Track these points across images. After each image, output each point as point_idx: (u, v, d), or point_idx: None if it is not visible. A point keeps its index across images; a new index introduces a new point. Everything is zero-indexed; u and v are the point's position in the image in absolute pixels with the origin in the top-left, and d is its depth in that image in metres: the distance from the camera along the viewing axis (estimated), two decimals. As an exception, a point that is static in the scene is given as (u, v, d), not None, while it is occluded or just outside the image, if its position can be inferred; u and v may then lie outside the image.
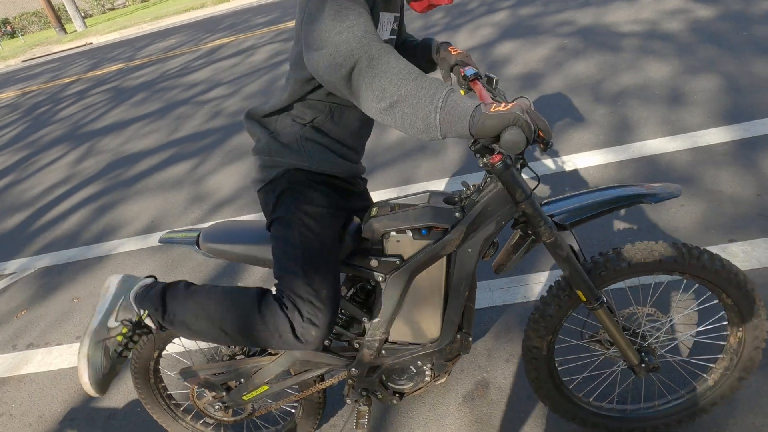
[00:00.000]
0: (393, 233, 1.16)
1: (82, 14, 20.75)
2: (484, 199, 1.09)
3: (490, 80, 1.23)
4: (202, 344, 2.07)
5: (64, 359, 2.24)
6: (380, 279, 1.20)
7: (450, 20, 6.09)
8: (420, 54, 1.41)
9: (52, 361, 2.25)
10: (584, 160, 2.76)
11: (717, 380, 1.28)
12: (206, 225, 2.97)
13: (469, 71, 1.21)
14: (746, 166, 2.40)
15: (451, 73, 1.33)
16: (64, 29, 16.69)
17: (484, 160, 1.01)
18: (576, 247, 1.16)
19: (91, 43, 13.61)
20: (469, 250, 1.14)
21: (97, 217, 3.52)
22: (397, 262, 1.18)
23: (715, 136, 2.66)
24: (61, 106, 6.94)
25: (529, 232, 1.15)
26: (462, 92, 1.28)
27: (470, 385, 1.69)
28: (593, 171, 2.64)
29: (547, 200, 1.18)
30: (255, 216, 3.06)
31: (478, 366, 1.75)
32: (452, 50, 1.34)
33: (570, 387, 1.51)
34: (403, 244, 1.17)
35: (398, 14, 1.20)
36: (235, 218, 3.08)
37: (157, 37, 11.27)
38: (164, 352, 2.15)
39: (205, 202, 3.36)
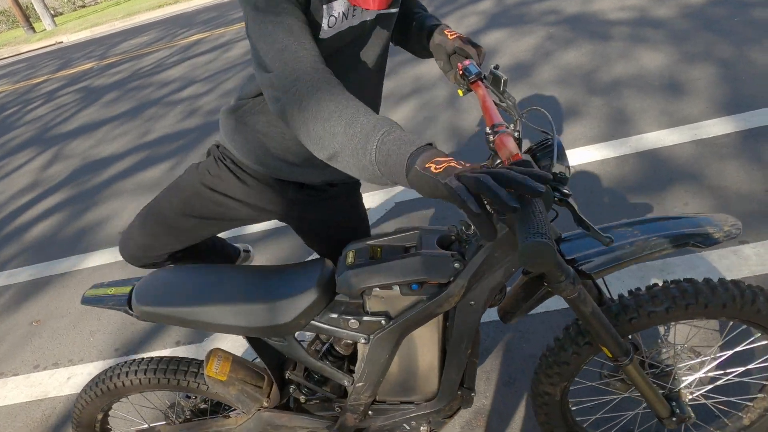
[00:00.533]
0: (376, 289, 0.95)
1: (52, 12, 20.11)
2: (490, 243, 0.87)
3: (496, 80, 1.00)
4: (157, 402, 1.86)
5: (21, 392, 2.03)
6: (362, 341, 1.00)
7: (433, 10, 5.89)
8: (414, 37, 1.20)
9: (7, 395, 2.04)
10: (581, 155, 2.61)
11: (753, 420, 1.13)
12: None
13: (471, 69, 1.00)
14: (751, 159, 2.27)
15: (450, 60, 1.12)
16: (33, 28, 16.10)
17: None
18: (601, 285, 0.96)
19: (62, 42, 13.13)
20: (472, 302, 0.93)
21: (62, 228, 3.29)
22: (382, 321, 0.96)
23: (716, 127, 2.53)
24: (29, 108, 6.62)
25: (545, 283, 0.93)
26: (460, 92, 1.07)
27: (468, 414, 1.53)
28: (590, 167, 2.49)
29: (569, 236, 0.96)
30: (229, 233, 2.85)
31: (475, 391, 1.59)
32: (449, 34, 1.13)
33: (584, 426, 1.34)
34: (388, 300, 0.96)
35: None
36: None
37: (129, 34, 10.89)
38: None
39: (178, 209, 3.15)
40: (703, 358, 1.02)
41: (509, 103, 0.96)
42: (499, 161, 0.83)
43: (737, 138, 2.42)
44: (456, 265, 0.89)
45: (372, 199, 2.70)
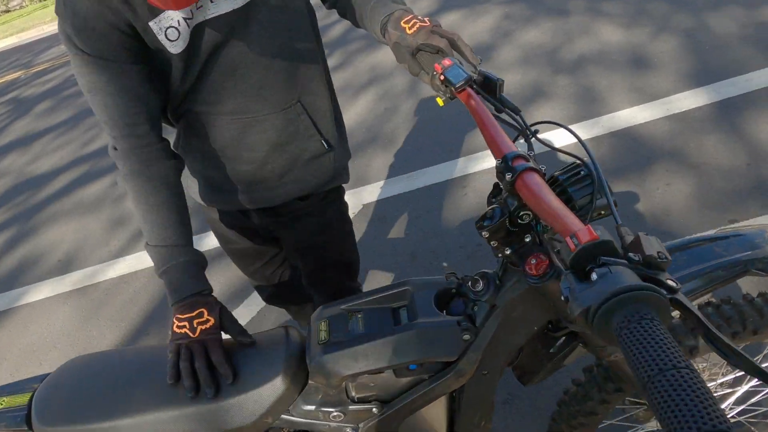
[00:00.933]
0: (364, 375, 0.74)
1: (-25, 17, 18.68)
2: (506, 302, 0.68)
3: (489, 84, 0.75)
4: None
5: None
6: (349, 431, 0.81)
7: (382, -5, 5.67)
8: (367, 26, 0.96)
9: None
10: (553, 139, 2.49)
11: None
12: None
13: (454, 74, 0.73)
14: (727, 132, 2.20)
15: (417, 59, 0.84)
16: (-46, 35, 14.92)
17: (507, 252, 0.63)
18: None
19: (-13, 49, 12.20)
20: (485, 372, 0.74)
21: (-4, 260, 2.96)
22: (374, 410, 0.77)
23: (688, 101, 2.45)
24: (-48, 125, 6.05)
25: (581, 344, 0.76)
26: (440, 101, 0.83)
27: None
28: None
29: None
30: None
31: None
32: (407, 26, 0.84)
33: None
34: (380, 385, 0.76)
35: None
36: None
37: (60, 38, 10.19)
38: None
39: (126, 226, 2.88)
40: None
41: (511, 115, 0.72)
42: (516, 205, 0.62)
43: (710, 110, 2.35)
44: (465, 336, 0.69)
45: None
